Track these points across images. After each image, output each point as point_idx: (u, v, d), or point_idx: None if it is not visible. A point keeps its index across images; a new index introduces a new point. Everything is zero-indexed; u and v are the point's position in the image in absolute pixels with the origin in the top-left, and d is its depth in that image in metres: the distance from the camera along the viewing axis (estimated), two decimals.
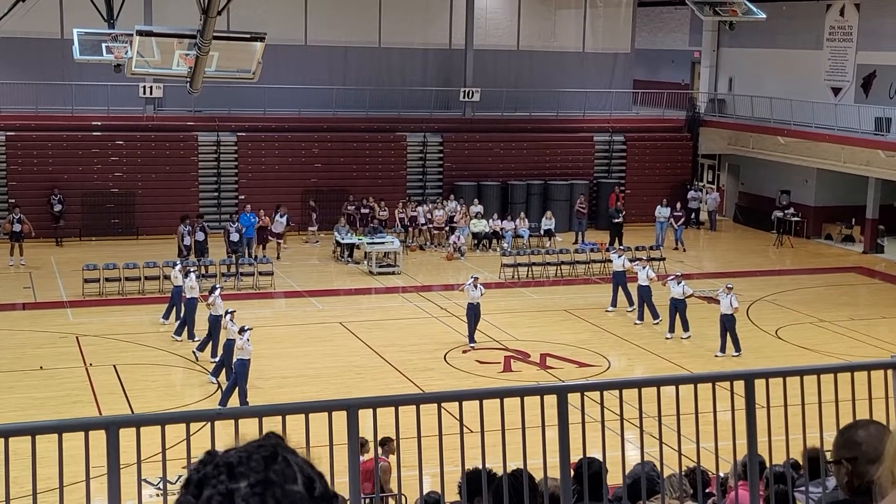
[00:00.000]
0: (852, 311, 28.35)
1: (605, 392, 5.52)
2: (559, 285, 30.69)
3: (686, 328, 25.24)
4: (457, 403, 5.21)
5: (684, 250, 36.11)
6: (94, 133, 35.72)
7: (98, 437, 4.53)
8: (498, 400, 5.23)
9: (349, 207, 35.51)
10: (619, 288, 27.57)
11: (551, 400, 5.28)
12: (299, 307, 27.81)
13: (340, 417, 4.86)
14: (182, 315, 24.52)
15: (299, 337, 25.00)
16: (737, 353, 23.82)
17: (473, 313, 24.09)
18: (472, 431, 4.95)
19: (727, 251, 37.39)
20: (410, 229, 35.83)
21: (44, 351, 23.16)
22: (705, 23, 41.78)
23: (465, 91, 39.48)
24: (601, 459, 6.15)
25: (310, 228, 35.28)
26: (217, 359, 22.09)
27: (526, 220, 36.38)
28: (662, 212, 36.81)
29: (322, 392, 20.44)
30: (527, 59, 41.76)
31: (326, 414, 4.90)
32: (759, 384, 5.61)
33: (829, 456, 4.18)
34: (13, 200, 33.78)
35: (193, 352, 23.10)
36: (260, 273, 29.81)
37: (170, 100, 36.10)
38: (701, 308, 28.64)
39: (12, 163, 34.95)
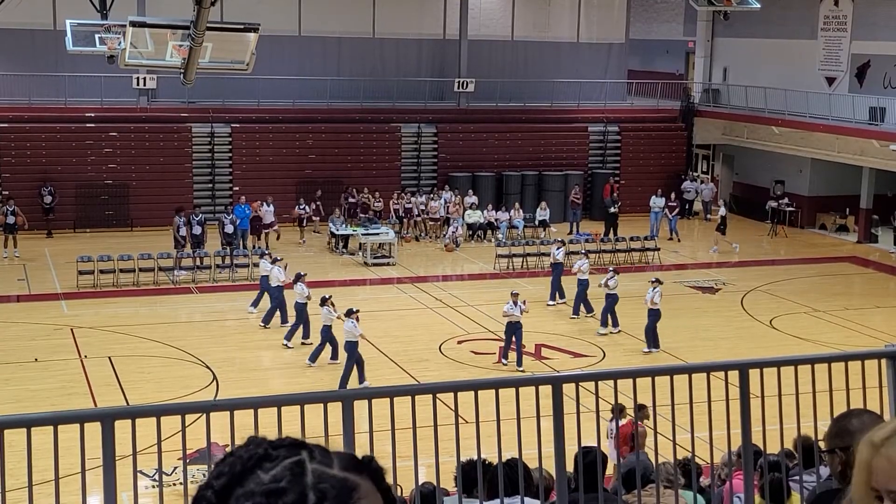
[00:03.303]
0: (846, 300, 28.40)
1: (599, 382, 5.54)
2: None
3: (615, 324, 24.52)
4: (452, 394, 5.22)
5: (679, 240, 36.14)
6: (88, 124, 35.65)
7: (93, 429, 4.53)
8: (493, 390, 5.24)
9: (349, 199, 35.44)
10: (558, 280, 27.08)
11: (546, 390, 5.30)
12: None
13: (335, 409, 4.86)
14: (272, 304, 25.00)
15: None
16: (654, 350, 22.97)
17: (512, 331, 22.09)
18: (467, 422, 4.96)
19: (722, 241, 37.40)
20: (405, 220, 35.82)
21: (38, 343, 23.14)
22: (700, 12, 41.75)
23: (459, 81, 39.47)
24: (596, 449, 6.17)
25: (314, 219, 35.20)
26: (298, 339, 23.21)
27: (521, 210, 36.38)
28: (657, 202, 36.85)
29: (317, 383, 20.47)
30: (521, 50, 41.74)
31: (322, 405, 4.91)
32: (754, 374, 5.63)
33: (822, 445, 4.19)
34: (6, 192, 33.72)
35: (302, 343, 23.43)
36: (254, 264, 29.75)
37: (163, 91, 36.01)
38: (694, 298, 28.70)
39: (5, 154, 34.87)
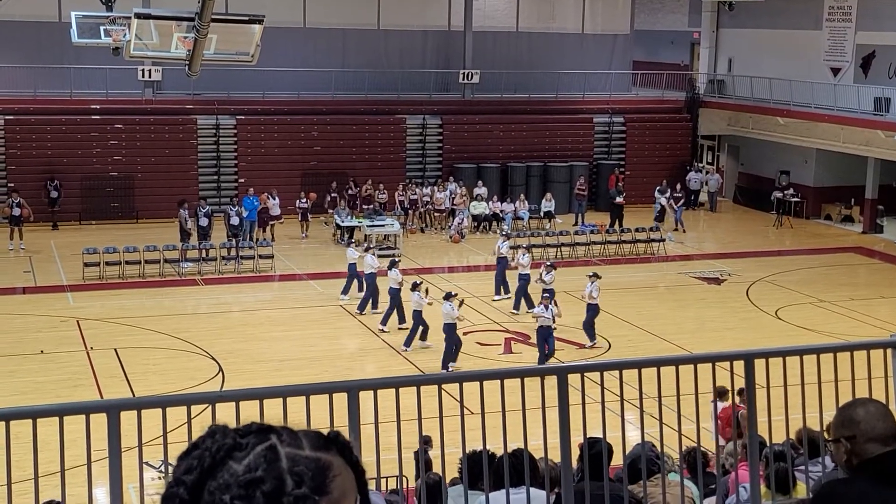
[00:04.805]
0: (852, 291, 28.37)
1: (605, 373, 5.53)
2: (559, 267, 30.63)
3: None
4: (457, 385, 5.22)
5: (684, 231, 36.11)
6: (93, 117, 35.66)
7: (99, 421, 4.54)
8: (498, 381, 5.24)
9: (348, 191, 35.45)
10: (502, 275, 26.73)
11: (552, 381, 5.29)
12: (299, 290, 27.83)
13: (341, 399, 4.86)
14: (364, 291, 25.67)
15: (299, 320, 25.04)
16: (590, 345, 22.73)
17: (543, 338, 21.28)
18: (472, 413, 4.96)
19: (727, 232, 37.39)
20: (410, 212, 35.81)
21: (44, 335, 23.18)
22: (704, 3, 41.71)
23: (464, 73, 39.41)
24: (602, 440, 6.16)
25: (329, 211, 35.18)
26: (395, 324, 23.76)
27: (526, 201, 36.35)
28: (662, 193, 36.76)
29: (322, 374, 20.50)
30: (526, 41, 41.67)
31: (327, 396, 4.92)
32: (759, 364, 5.62)
33: (827, 435, 4.19)
34: (12, 185, 33.74)
35: (381, 329, 23.94)
36: (260, 256, 29.82)
37: (168, 83, 36.01)
38: (700, 289, 28.69)
39: (11, 147, 34.89)
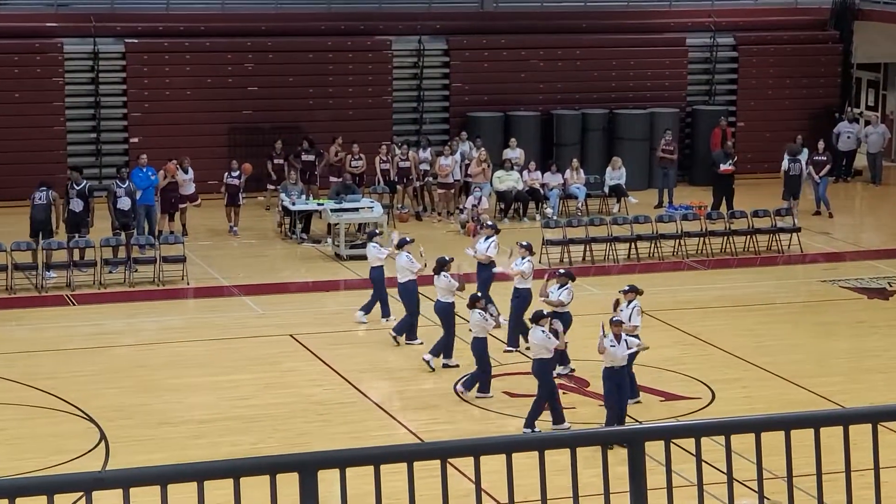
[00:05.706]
0: None
1: (703, 439, 5.54)
2: (633, 273, 30.67)
3: (563, 361, 23.63)
4: (472, 459, 5.24)
5: (830, 215, 36.05)
6: None
7: None
8: (535, 453, 5.25)
9: (301, 157, 35.44)
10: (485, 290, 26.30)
11: (621, 454, 5.30)
12: (227, 312, 27.83)
13: (290, 482, 4.88)
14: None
15: (227, 359, 25.04)
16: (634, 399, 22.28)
17: (615, 385, 20.96)
18: (497, 502, 4.98)
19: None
20: (400, 187, 35.81)
21: None
22: None
23: None
24: None
25: (272, 188, 35.13)
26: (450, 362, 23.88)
27: (581, 171, 36.33)
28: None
29: (262, 444, 20.54)
30: None
31: (268, 477, 4.93)
32: None
33: None
34: None
35: (445, 364, 23.97)
36: (165, 259, 29.79)
37: None
38: (856, 306, 28.66)
39: None
